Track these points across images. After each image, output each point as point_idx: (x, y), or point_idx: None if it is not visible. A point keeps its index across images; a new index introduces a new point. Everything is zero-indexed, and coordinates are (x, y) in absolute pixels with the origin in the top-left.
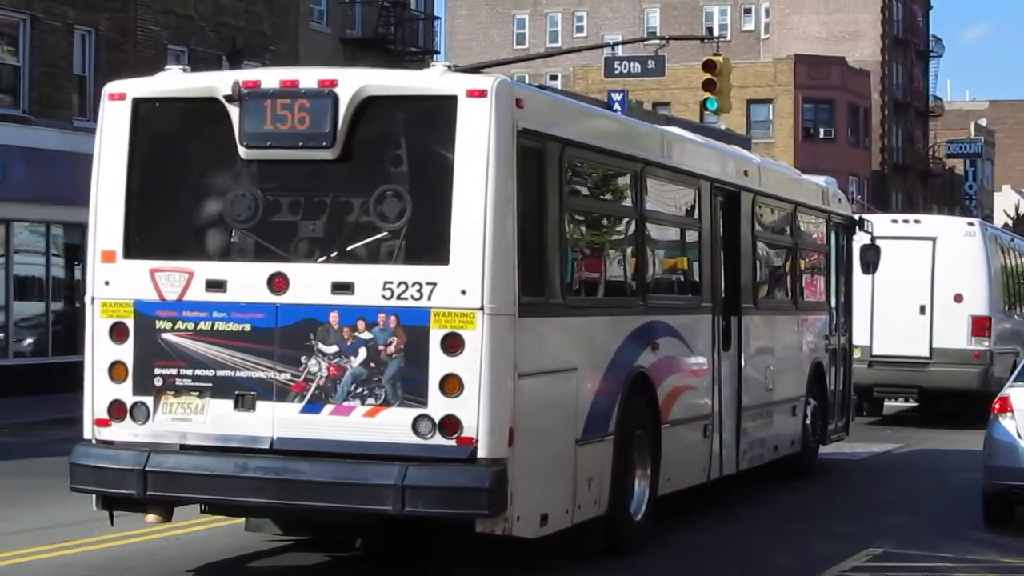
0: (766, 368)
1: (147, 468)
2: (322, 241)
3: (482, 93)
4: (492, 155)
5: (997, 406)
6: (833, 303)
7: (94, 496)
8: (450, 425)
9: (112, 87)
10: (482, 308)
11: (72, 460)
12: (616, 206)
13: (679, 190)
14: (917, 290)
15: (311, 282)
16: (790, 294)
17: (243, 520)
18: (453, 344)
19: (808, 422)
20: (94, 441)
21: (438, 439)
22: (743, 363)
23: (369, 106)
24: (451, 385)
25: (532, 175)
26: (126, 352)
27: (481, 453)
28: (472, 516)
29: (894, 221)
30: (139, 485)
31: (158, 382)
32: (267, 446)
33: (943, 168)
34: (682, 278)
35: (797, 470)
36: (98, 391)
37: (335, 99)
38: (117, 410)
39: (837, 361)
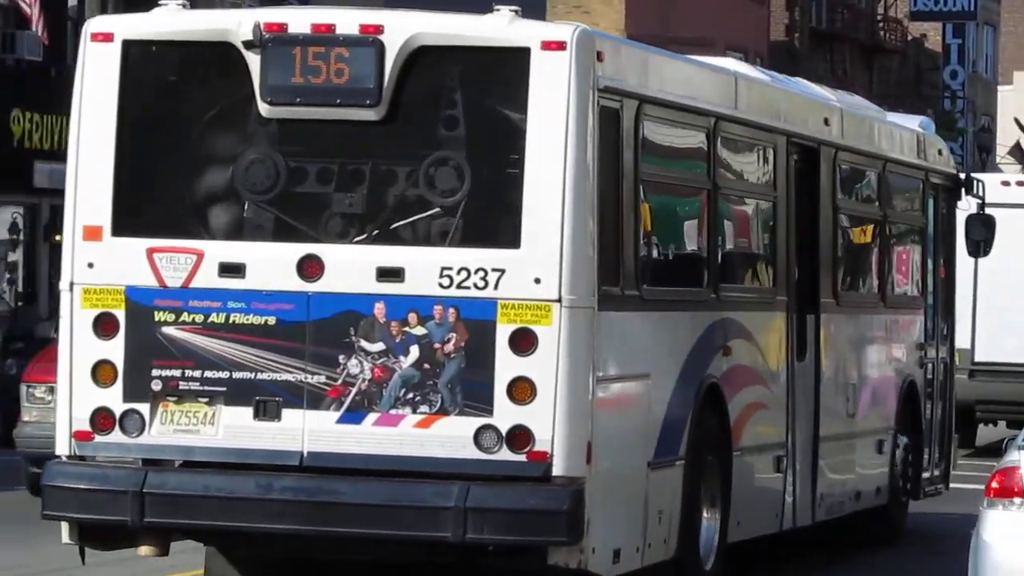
0: (848, 386)
1: (144, 489)
2: (362, 218)
3: (560, 45)
4: (572, 119)
5: (995, 485)
6: (930, 298)
7: (66, 526)
8: (520, 437)
9: (96, 25)
10: (559, 300)
11: (46, 480)
12: (692, 175)
13: (753, 150)
14: None
15: (351, 267)
16: (877, 286)
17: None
18: (524, 342)
19: (898, 465)
20: (72, 458)
21: (505, 454)
22: (821, 378)
23: (421, 58)
24: (521, 390)
25: (609, 141)
26: (115, 350)
27: (556, 471)
28: (546, 544)
29: (1005, 183)
30: (134, 510)
31: (156, 386)
32: (296, 462)
33: (904, 38)
34: (755, 264)
35: (881, 529)
36: (78, 397)
37: (380, 48)
38: (103, 420)
39: (935, 380)
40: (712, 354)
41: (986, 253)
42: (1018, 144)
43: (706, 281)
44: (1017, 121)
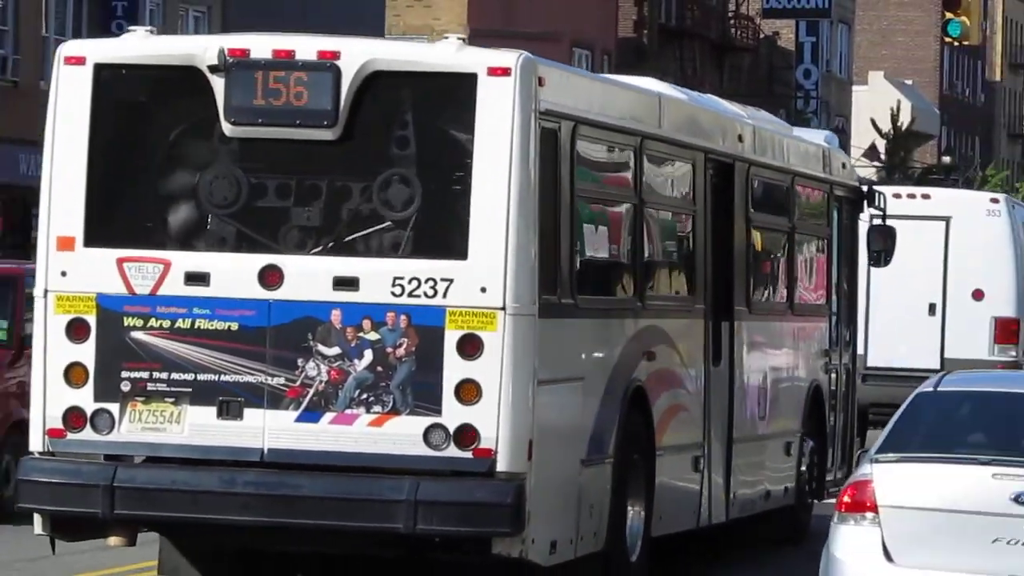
0: (759, 390)
1: (115, 483)
2: (320, 230)
3: (505, 71)
4: (516, 140)
5: (847, 499)
6: (834, 306)
7: (38, 518)
8: (466, 435)
9: (68, 49)
10: (504, 308)
11: (20, 475)
12: (621, 191)
13: (675, 167)
14: (925, 284)
15: (309, 276)
16: (786, 294)
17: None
18: (471, 346)
19: (804, 467)
20: (45, 454)
21: (452, 451)
22: (735, 382)
23: (375, 81)
24: (468, 392)
25: (548, 160)
26: (86, 353)
27: (500, 467)
28: (490, 535)
29: (896, 196)
30: (105, 503)
31: (125, 387)
32: (257, 458)
33: (756, 36)
34: (676, 273)
35: (787, 529)
36: (51, 397)
37: (337, 73)
38: (75, 419)
39: (839, 386)
40: (637, 359)
41: (887, 263)
42: (873, 145)
43: (632, 290)
44: (873, 122)
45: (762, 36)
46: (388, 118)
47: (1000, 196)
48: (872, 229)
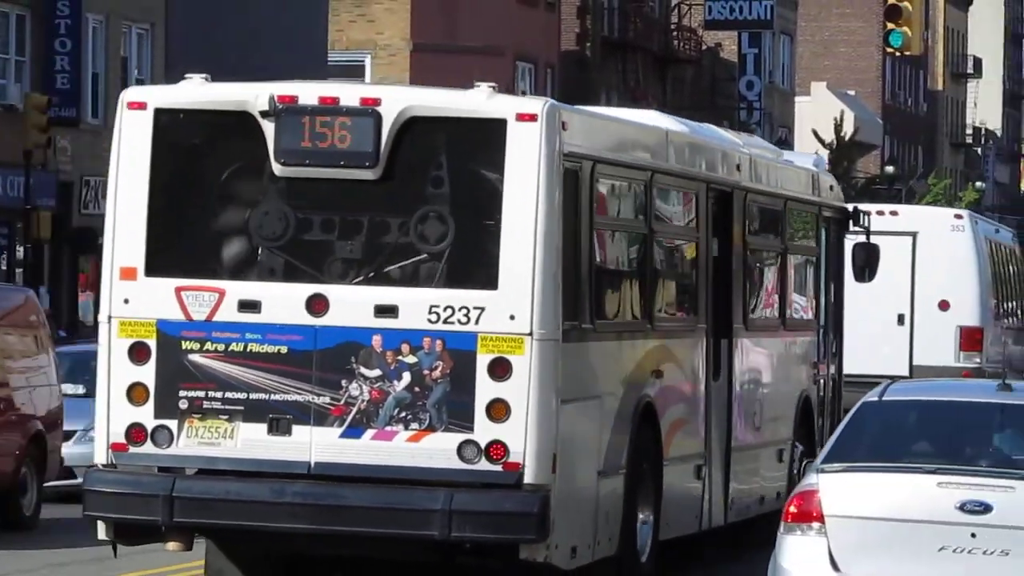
0: (754, 402)
1: (174, 493)
2: (360, 262)
3: (533, 117)
4: (542, 180)
5: (793, 509)
6: (822, 320)
7: (102, 525)
8: (496, 450)
9: (131, 95)
10: (531, 333)
11: (87, 486)
12: (633, 222)
13: (680, 197)
14: (894, 296)
15: (352, 304)
16: (778, 311)
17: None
18: (501, 369)
19: (795, 472)
20: (109, 466)
21: (484, 464)
22: (733, 395)
23: (413, 126)
24: (498, 410)
25: (569, 197)
26: (147, 374)
27: (527, 479)
28: (518, 541)
29: (864, 213)
30: (165, 512)
31: (183, 405)
32: (304, 471)
33: (698, 47)
34: (681, 296)
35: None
36: (115, 414)
37: (378, 118)
38: (136, 434)
39: (826, 394)
40: (647, 376)
41: (871, 278)
42: (817, 155)
43: (642, 313)
44: (815, 132)
45: (704, 48)
46: (424, 159)
47: (964, 212)
48: (857, 246)
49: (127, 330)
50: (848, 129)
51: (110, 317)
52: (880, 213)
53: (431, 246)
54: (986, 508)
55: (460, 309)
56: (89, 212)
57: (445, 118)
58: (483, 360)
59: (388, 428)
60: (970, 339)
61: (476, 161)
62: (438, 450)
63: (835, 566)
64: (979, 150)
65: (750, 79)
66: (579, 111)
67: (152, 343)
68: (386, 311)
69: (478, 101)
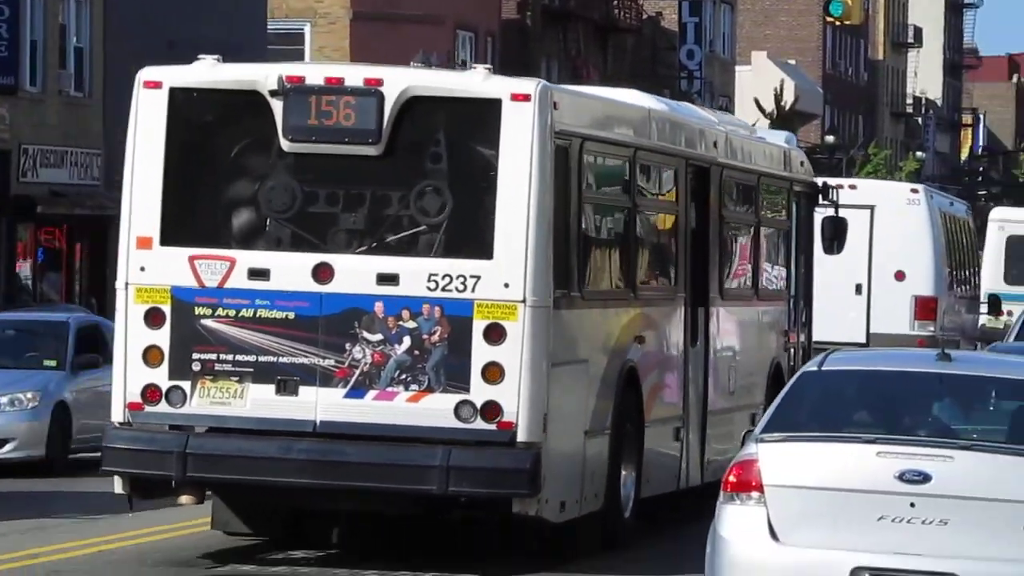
0: (729, 368)
1: (187, 450)
2: (363, 233)
3: (526, 97)
4: (535, 157)
5: (732, 479)
6: (793, 290)
7: (118, 480)
8: (491, 410)
9: (147, 74)
10: (524, 300)
11: (105, 443)
12: (618, 196)
13: (661, 173)
14: (851, 267)
15: (356, 273)
16: (751, 281)
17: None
18: (495, 334)
19: None
20: (125, 424)
21: (479, 423)
22: (709, 361)
23: (413, 105)
24: (492, 373)
25: (560, 173)
26: (162, 337)
27: (520, 437)
28: (511, 495)
29: (833, 188)
30: (178, 467)
31: (196, 367)
32: (310, 429)
33: (639, 16)
34: (662, 266)
35: None
36: (131, 375)
37: (381, 97)
38: (151, 394)
39: (796, 363)
40: (631, 342)
41: (839, 250)
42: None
43: (626, 282)
44: (756, 102)
45: (645, 17)
46: (424, 137)
47: (919, 186)
48: (826, 220)
49: (143, 296)
50: (788, 98)
51: (127, 284)
52: (839, 187)
53: (430, 218)
54: (925, 478)
55: (457, 277)
56: (27, 180)
57: (443, 98)
58: (479, 325)
59: (389, 389)
60: (925, 308)
61: (473, 138)
62: (436, 410)
63: (774, 535)
64: (919, 120)
65: (690, 48)
66: (569, 91)
67: (167, 308)
68: (388, 279)
69: (475, 82)
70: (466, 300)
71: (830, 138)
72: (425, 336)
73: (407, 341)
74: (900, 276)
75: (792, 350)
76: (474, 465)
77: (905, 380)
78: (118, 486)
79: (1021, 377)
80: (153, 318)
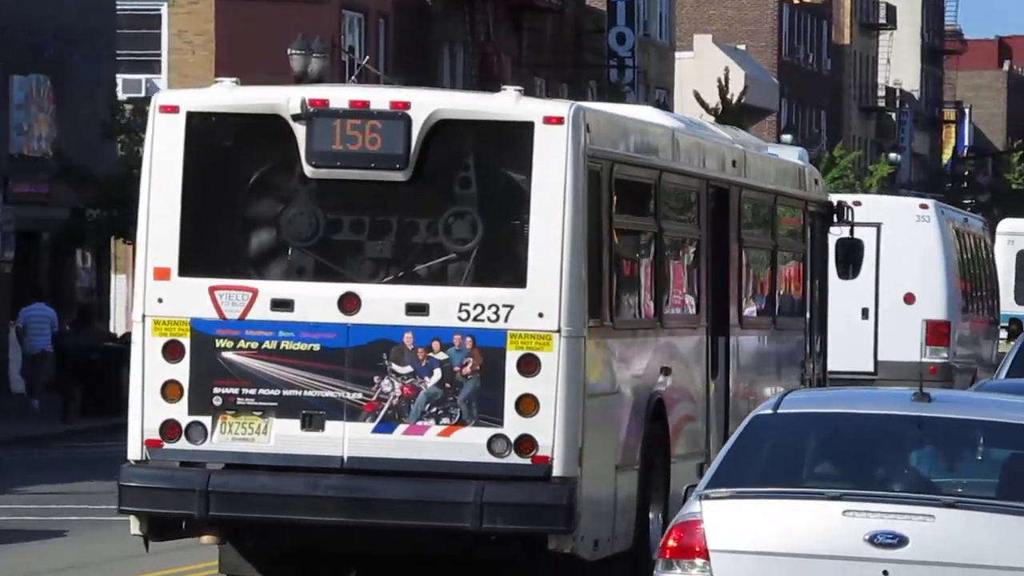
0: (749, 402)
1: (209, 488)
2: (391, 262)
3: (559, 120)
4: (569, 181)
5: (672, 543)
6: (808, 318)
7: (135, 520)
8: (526, 444)
9: (163, 99)
10: (559, 330)
11: (122, 481)
12: (644, 221)
13: (684, 195)
14: (858, 289)
15: (384, 303)
16: (769, 308)
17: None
18: (529, 365)
19: None
20: (142, 462)
21: (513, 458)
22: (729, 393)
23: (442, 129)
24: (527, 405)
25: (592, 197)
26: (181, 371)
27: (556, 472)
28: (547, 532)
29: (848, 207)
30: (200, 506)
31: (217, 401)
32: (338, 465)
33: None
34: (686, 293)
35: None
36: (149, 411)
37: (408, 121)
38: (171, 430)
39: None
40: (657, 373)
41: (855, 275)
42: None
43: (653, 311)
44: (697, 95)
45: None
46: (453, 161)
47: (929, 201)
48: (840, 242)
49: (161, 329)
50: (736, 90)
51: (144, 316)
52: (841, 201)
53: (460, 246)
54: (900, 541)
55: (490, 307)
56: None
57: (473, 120)
58: (512, 356)
59: (419, 423)
60: (936, 333)
61: (504, 163)
62: (468, 444)
63: None
64: (893, 115)
65: (621, 31)
66: (600, 112)
67: (186, 341)
68: (417, 309)
69: (506, 104)
70: (499, 330)
71: (787, 138)
72: (456, 368)
73: (438, 373)
74: (910, 299)
75: (809, 381)
76: (509, 501)
77: (877, 425)
78: (134, 527)
79: (1014, 420)
80: (172, 351)
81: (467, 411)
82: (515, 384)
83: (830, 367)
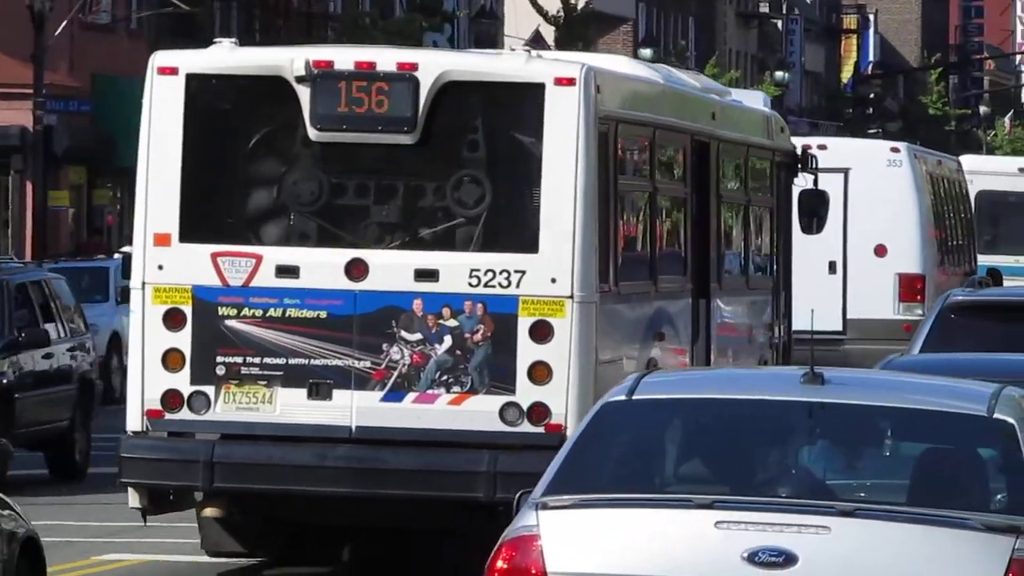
0: (725, 366)
1: (214, 459)
2: (398, 227)
3: (571, 81)
4: (581, 144)
5: (501, 565)
6: (776, 278)
7: (134, 493)
8: (538, 412)
9: (161, 60)
10: (572, 296)
11: (122, 452)
12: (643, 182)
13: (672, 152)
14: (824, 241)
15: (392, 269)
16: (742, 268)
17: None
18: (542, 332)
19: None
20: (143, 433)
21: (526, 426)
22: (709, 358)
23: (450, 91)
24: (540, 372)
25: (601, 160)
26: (182, 340)
27: None
28: None
29: (813, 156)
30: (205, 477)
31: (220, 371)
32: (346, 435)
33: None
34: (673, 255)
35: None
36: (149, 381)
37: (415, 83)
38: (172, 400)
39: (781, 360)
40: (652, 339)
41: (819, 230)
42: (538, 34)
43: (648, 275)
44: (534, 2)
45: None
46: (461, 124)
47: (901, 145)
48: (804, 194)
49: (162, 296)
50: None
51: (144, 283)
52: (806, 147)
53: (469, 210)
54: (787, 559)
55: (501, 272)
56: None
57: (482, 82)
58: (524, 323)
59: (430, 391)
60: (910, 288)
61: (514, 125)
62: (480, 412)
63: None
64: (779, 23)
65: None
66: (609, 73)
67: (188, 309)
68: (426, 275)
69: (516, 65)
70: (510, 296)
71: (646, 52)
72: (467, 335)
73: (448, 340)
74: (881, 251)
75: (777, 345)
76: (522, 470)
77: (757, 413)
78: (133, 500)
79: (928, 406)
80: (173, 319)
81: (478, 379)
82: (527, 351)
83: (794, 326)
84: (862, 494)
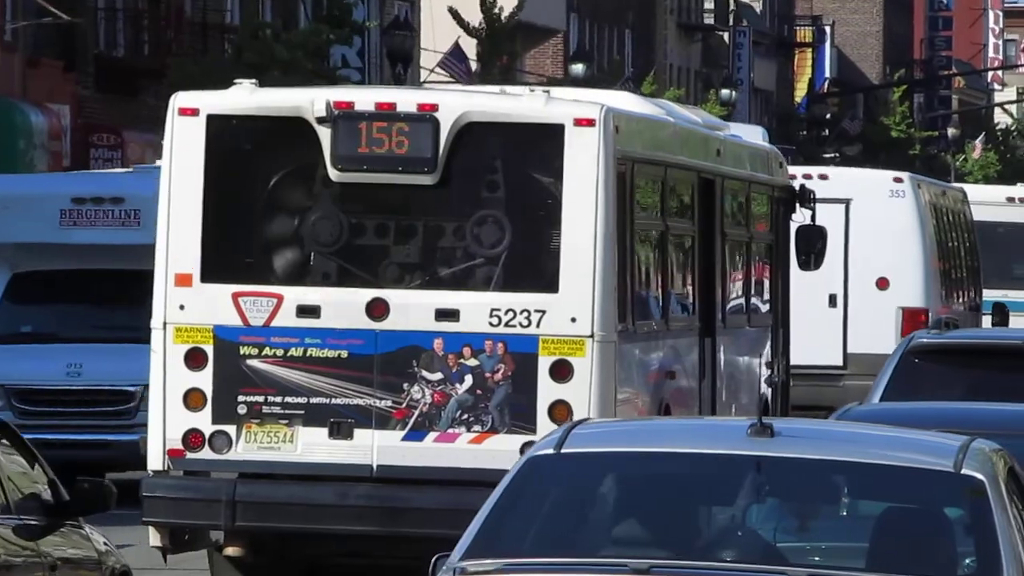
0: (731, 406)
1: (236, 498)
2: (419, 267)
3: (590, 122)
4: (600, 184)
5: None
6: (775, 314)
7: (154, 532)
8: None
9: (182, 100)
10: (592, 335)
11: (144, 492)
12: (653, 221)
13: (682, 190)
14: (824, 274)
15: (413, 308)
16: (744, 306)
17: None
18: (562, 371)
19: None
20: (165, 472)
21: None
22: (715, 396)
23: (470, 131)
24: (560, 411)
25: (620, 200)
26: (204, 379)
27: None
28: None
29: (811, 191)
30: (227, 516)
31: (242, 410)
32: (367, 474)
33: None
34: (682, 293)
35: None
36: (171, 420)
37: (436, 124)
38: (193, 439)
39: (779, 399)
40: (664, 378)
41: (817, 266)
42: (457, 47)
43: (660, 313)
44: (454, 12)
45: None
46: (481, 164)
47: (904, 175)
48: (802, 230)
49: (183, 336)
50: (508, 5)
51: (165, 323)
52: (807, 177)
53: (489, 250)
54: None
55: (521, 312)
56: None
57: (502, 123)
58: (545, 362)
59: (451, 430)
60: (913, 322)
61: (533, 166)
62: (501, 451)
63: None
64: (726, 36)
65: None
66: (626, 113)
67: (209, 349)
68: (447, 315)
69: (535, 106)
70: (531, 336)
71: (578, 67)
72: (488, 374)
73: (469, 379)
74: (883, 284)
75: (777, 382)
76: None
77: (699, 469)
78: (154, 539)
79: (889, 461)
80: (194, 359)
81: (499, 418)
82: (548, 390)
83: (793, 361)
84: (816, 558)
